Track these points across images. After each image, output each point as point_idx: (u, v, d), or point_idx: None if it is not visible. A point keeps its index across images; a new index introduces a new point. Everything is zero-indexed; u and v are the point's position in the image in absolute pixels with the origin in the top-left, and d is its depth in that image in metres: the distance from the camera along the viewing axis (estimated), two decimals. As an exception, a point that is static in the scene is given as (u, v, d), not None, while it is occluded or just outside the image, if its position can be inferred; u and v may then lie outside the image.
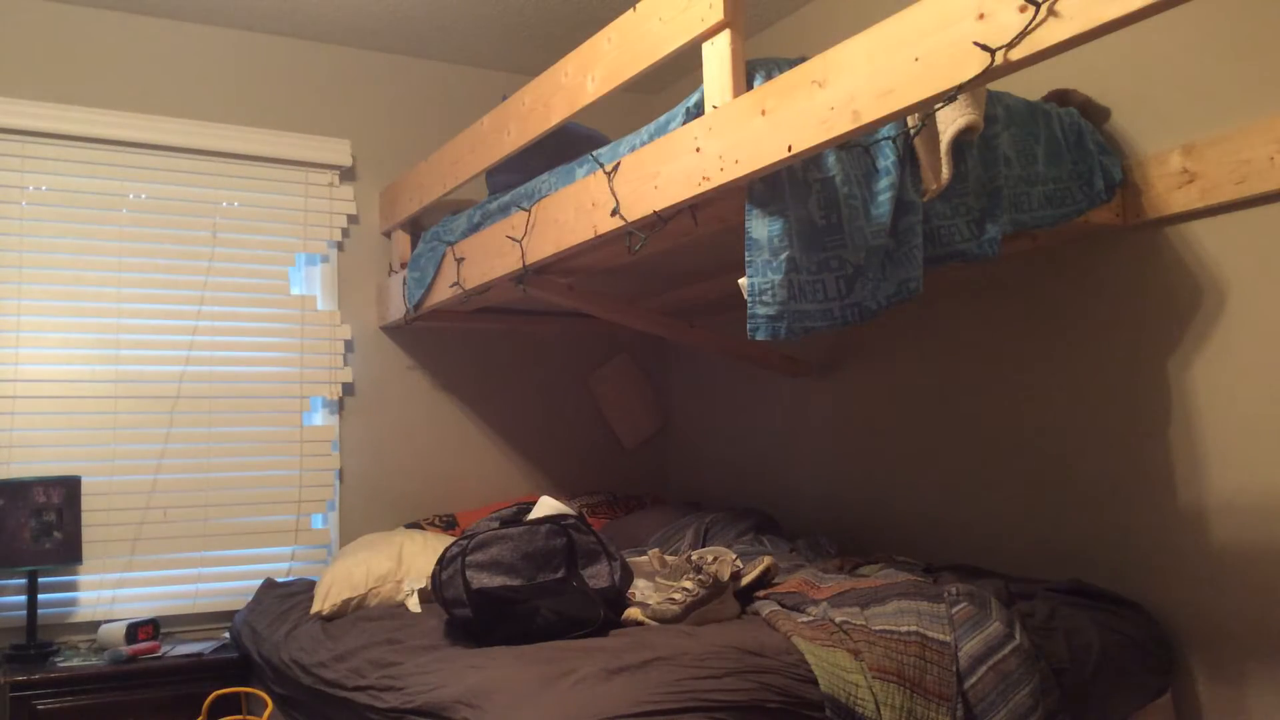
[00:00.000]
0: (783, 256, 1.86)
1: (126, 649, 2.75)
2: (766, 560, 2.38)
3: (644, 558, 2.52)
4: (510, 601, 2.14)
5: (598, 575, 2.24)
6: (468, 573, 2.18)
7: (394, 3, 3.32)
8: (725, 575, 2.24)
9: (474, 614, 2.15)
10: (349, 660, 2.24)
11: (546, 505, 2.50)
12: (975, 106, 1.89)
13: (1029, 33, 1.39)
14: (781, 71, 1.79)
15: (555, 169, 2.55)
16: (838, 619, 2.03)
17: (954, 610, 2.03)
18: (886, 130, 1.92)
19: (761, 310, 1.87)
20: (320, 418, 3.48)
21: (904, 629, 1.98)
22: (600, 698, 1.70)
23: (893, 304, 1.99)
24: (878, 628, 1.98)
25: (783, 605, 2.20)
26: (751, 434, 3.61)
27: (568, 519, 2.33)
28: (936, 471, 2.88)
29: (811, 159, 1.87)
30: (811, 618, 2.09)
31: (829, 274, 1.90)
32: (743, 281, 1.91)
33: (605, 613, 2.17)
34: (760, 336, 1.87)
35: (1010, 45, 1.41)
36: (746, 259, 1.90)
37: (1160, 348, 2.37)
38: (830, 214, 1.90)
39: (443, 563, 2.26)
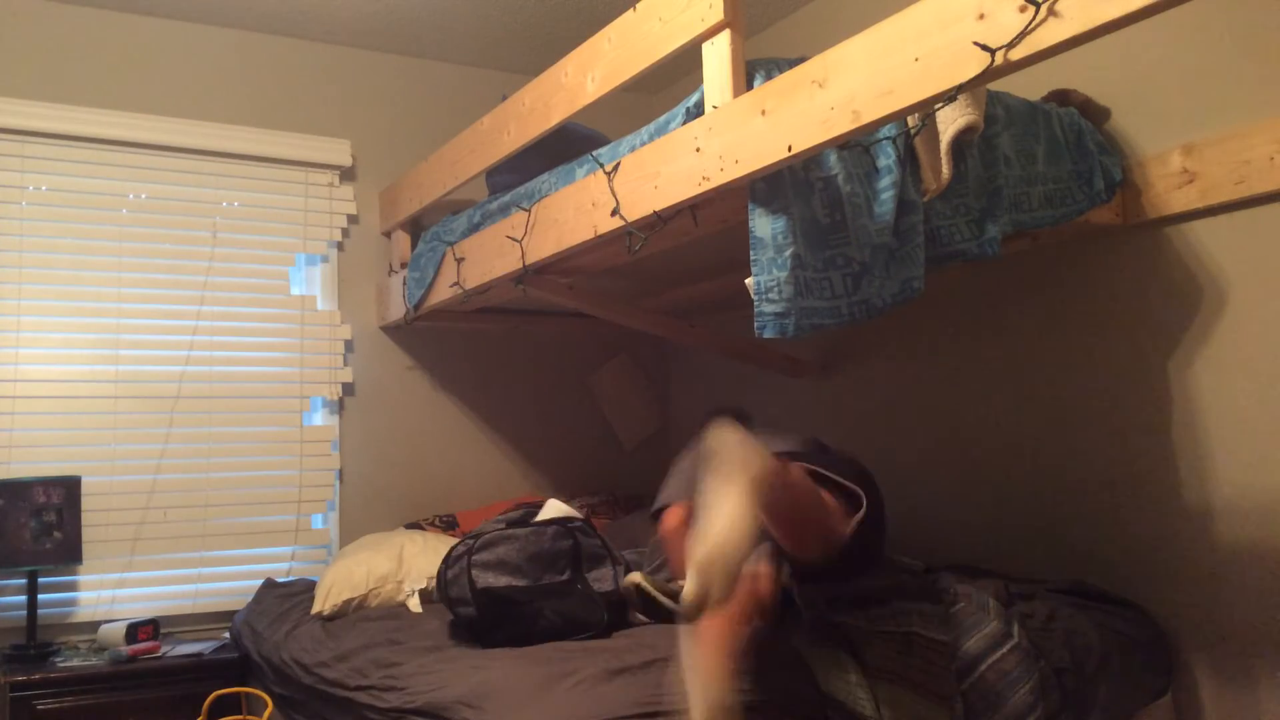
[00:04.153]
0: (787, 253, 1.86)
1: (126, 649, 2.75)
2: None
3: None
4: (515, 602, 2.14)
5: (602, 579, 2.25)
6: (473, 571, 2.18)
7: (394, 3, 3.32)
8: None
9: (478, 613, 2.15)
10: (351, 660, 2.24)
11: (553, 508, 2.50)
12: (975, 106, 1.89)
13: (1029, 33, 1.39)
14: (781, 71, 1.79)
15: (555, 169, 2.55)
16: (836, 619, 2.03)
17: (953, 610, 2.04)
18: (887, 130, 1.92)
19: (768, 308, 1.87)
20: (320, 418, 3.48)
21: (903, 629, 1.98)
22: (601, 699, 1.70)
23: (897, 303, 1.98)
24: (877, 629, 1.98)
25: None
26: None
27: (574, 522, 2.33)
28: (936, 471, 2.88)
29: (813, 159, 1.87)
30: (811, 619, 2.09)
31: (835, 271, 1.89)
32: (749, 281, 1.90)
33: (608, 615, 2.17)
34: (768, 334, 1.86)
35: (1010, 45, 1.41)
36: (751, 257, 1.90)
37: (1160, 347, 2.37)
38: (834, 212, 1.89)
39: (448, 561, 2.26)
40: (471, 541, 2.26)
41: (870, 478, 2.11)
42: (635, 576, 2.17)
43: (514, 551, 2.21)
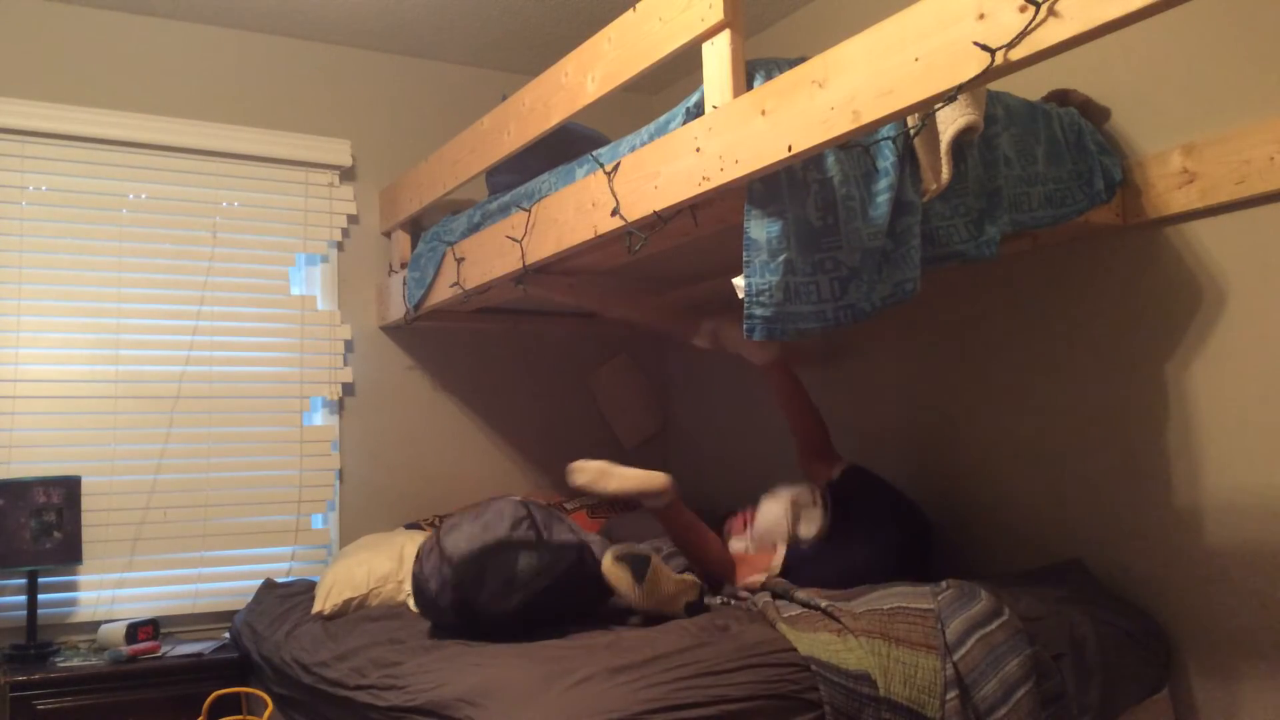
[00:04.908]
0: (780, 258, 1.87)
1: (126, 649, 2.75)
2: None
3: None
4: (489, 554, 2.20)
5: (564, 539, 2.31)
6: (445, 550, 2.24)
7: (394, 3, 3.32)
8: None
9: (456, 577, 2.19)
10: (351, 659, 2.25)
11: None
12: (975, 106, 1.89)
13: (1029, 33, 1.39)
14: (781, 71, 1.79)
15: (555, 169, 2.55)
16: (823, 604, 2.06)
17: (940, 596, 2.05)
18: (886, 130, 1.92)
19: (758, 311, 1.88)
20: (320, 418, 3.48)
21: (887, 606, 2.01)
22: (602, 697, 1.70)
23: (888, 305, 1.99)
24: (861, 609, 2.02)
25: (774, 596, 2.23)
26: (751, 434, 3.61)
27: (526, 501, 2.41)
28: (934, 470, 2.88)
29: (811, 159, 1.87)
30: (799, 609, 2.11)
31: (824, 275, 1.90)
32: (738, 281, 1.91)
33: (583, 555, 2.24)
34: (756, 337, 1.88)
35: (1010, 45, 1.41)
36: (745, 259, 1.90)
37: (1160, 348, 2.37)
38: (827, 215, 1.90)
39: (421, 558, 2.31)
40: (436, 534, 2.34)
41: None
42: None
43: (478, 527, 2.28)
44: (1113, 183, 2.35)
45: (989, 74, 1.45)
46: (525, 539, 2.24)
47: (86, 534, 3.01)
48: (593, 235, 2.25)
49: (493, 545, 2.21)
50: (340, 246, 3.54)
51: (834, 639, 1.93)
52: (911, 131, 1.93)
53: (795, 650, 1.90)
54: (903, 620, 1.96)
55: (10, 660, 2.76)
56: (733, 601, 2.39)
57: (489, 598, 2.17)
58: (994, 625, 1.96)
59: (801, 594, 2.16)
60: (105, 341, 3.14)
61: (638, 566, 2.18)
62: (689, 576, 2.28)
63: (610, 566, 2.20)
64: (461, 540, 2.23)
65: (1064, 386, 2.56)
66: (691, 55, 2.01)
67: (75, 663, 2.73)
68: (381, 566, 2.82)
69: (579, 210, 2.30)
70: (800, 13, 3.45)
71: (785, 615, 2.08)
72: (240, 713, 2.64)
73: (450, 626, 2.29)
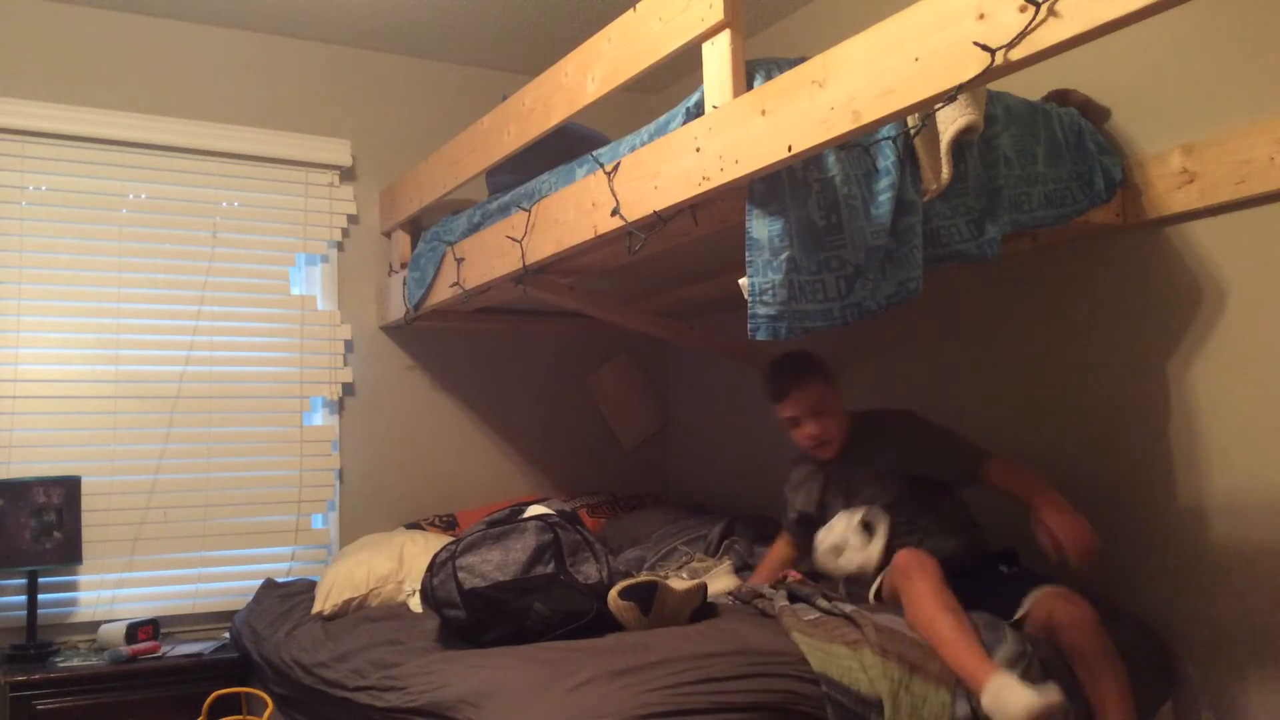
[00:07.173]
0: (783, 256, 1.86)
1: (126, 649, 2.75)
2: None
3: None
4: (502, 601, 2.14)
5: (588, 574, 2.25)
6: (459, 575, 2.19)
7: (394, 3, 3.32)
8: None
9: (467, 615, 2.15)
10: (350, 660, 2.24)
11: (535, 510, 2.51)
12: (975, 106, 1.89)
13: (1029, 33, 1.39)
14: (781, 71, 1.79)
15: (555, 169, 2.55)
16: (848, 610, 2.04)
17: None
18: (886, 130, 1.92)
19: (762, 310, 1.87)
20: (320, 418, 3.48)
21: (912, 634, 1.99)
22: (603, 700, 1.70)
23: (892, 304, 1.99)
24: (886, 624, 2.00)
25: (793, 597, 2.22)
26: (751, 434, 3.61)
27: (552, 517, 2.35)
28: (936, 471, 2.88)
29: (811, 159, 1.87)
30: (818, 614, 2.09)
31: (829, 274, 1.90)
32: (743, 281, 1.91)
33: (598, 606, 2.17)
34: (761, 336, 1.87)
35: (1010, 45, 1.41)
36: (747, 259, 1.90)
37: (1160, 348, 2.37)
38: (830, 214, 1.90)
39: (433, 568, 2.26)
40: (454, 546, 2.27)
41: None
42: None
43: (497, 551, 2.22)
44: (1113, 183, 2.35)
45: (989, 74, 1.45)
46: (543, 581, 2.17)
47: (86, 534, 3.01)
48: (593, 235, 2.25)
49: (508, 587, 2.16)
50: (340, 246, 3.54)
51: (848, 653, 1.90)
52: (911, 131, 1.93)
53: (802, 660, 1.89)
54: (928, 650, 1.94)
55: (10, 660, 2.76)
56: (747, 601, 2.36)
57: (494, 639, 2.13)
58: (1019, 670, 1.92)
59: (823, 600, 2.14)
60: (105, 341, 3.14)
61: (644, 599, 2.15)
62: (692, 584, 2.27)
63: (617, 603, 2.17)
64: (476, 566, 2.19)
65: (1064, 386, 2.56)
66: (691, 55, 2.01)
67: (75, 663, 2.73)
68: (381, 566, 2.82)
69: (579, 210, 2.30)
70: (800, 13, 3.44)
71: (805, 619, 2.06)
72: (240, 713, 2.64)
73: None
